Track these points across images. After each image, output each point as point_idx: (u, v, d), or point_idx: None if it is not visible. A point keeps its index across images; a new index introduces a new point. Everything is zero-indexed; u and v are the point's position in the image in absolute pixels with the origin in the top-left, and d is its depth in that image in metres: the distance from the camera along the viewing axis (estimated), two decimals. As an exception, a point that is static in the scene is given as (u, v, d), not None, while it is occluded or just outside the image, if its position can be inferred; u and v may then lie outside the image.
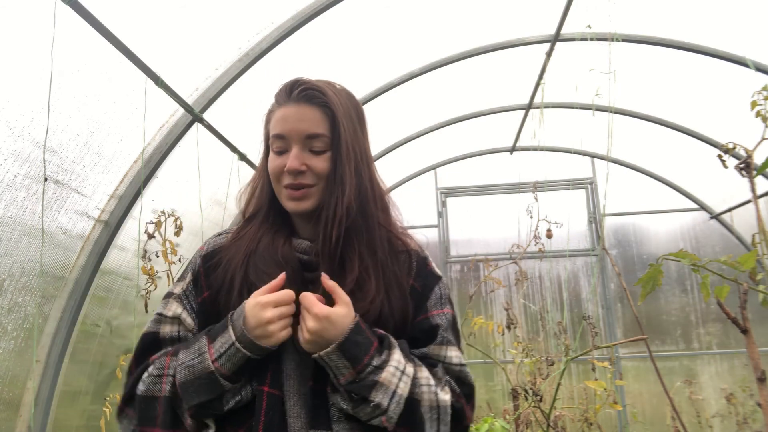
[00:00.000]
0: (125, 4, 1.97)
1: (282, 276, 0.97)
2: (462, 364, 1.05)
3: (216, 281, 1.03)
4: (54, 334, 2.13)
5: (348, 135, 1.03)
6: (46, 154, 1.88)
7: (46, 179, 1.91)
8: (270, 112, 1.09)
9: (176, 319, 1.01)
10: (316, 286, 0.98)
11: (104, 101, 2.11)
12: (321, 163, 1.01)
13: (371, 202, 1.06)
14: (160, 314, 1.03)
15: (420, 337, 1.05)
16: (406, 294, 1.05)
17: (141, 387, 0.93)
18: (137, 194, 2.36)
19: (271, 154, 1.05)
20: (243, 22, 2.50)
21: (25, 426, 1.95)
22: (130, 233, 2.47)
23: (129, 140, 2.32)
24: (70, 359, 2.22)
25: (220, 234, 1.14)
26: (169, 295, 1.05)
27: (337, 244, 1.00)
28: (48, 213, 2.02)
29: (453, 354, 1.04)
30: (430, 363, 1.03)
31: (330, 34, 2.94)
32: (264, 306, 0.91)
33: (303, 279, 1.01)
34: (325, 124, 1.01)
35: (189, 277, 1.07)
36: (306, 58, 3.01)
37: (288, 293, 0.95)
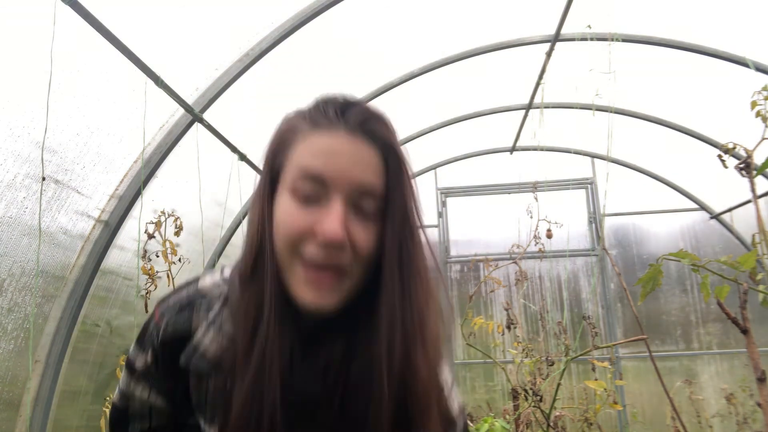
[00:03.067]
0: (125, 4, 1.97)
1: None
2: None
3: (198, 390, 0.75)
4: (54, 334, 2.13)
5: (408, 199, 0.69)
6: (46, 154, 1.88)
7: (44, 179, 1.91)
8: (292, 129, 0.71)
9: (141, 400, 0.80)
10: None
11: (104, 101, 2.11)
12: (367, 237, 0.66)
13: (429, 341, 0.69)
14: (123, 391, 0.81)
15: None
16: None
17: None
18: (137, 194, 2.36)
19: (287, 196, 0.68)
20: (243, 22, 2.50)
21: (25, 426, 1.95)
22: (130, 233, 2.47)
23: (129, 140, 2.32)
24: (70, 359, 2.22)
25: (182, 309, 0.76)
26: (130, 368, 0.80)
27: None
28: (48, 213, 2.02)
29: None
30: None
31: (330, 34, 2.94)
32: None
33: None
34: (383, 178, 0.68)
35: (150, 355, 0.78)
36: (306, 58, 3.01)
37: None
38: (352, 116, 0.68)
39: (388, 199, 0.67)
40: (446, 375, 0.77)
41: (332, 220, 0.63)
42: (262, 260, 0.69)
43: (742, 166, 1.77)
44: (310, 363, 0.71)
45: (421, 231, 0.71)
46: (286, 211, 0.67)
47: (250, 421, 0.66)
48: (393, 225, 0.67)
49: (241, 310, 0.70)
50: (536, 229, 3.60)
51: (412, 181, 0.71)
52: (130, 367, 0.80)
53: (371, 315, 0.68)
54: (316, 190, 0.66)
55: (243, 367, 0.67)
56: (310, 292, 0.66)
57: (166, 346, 0.75)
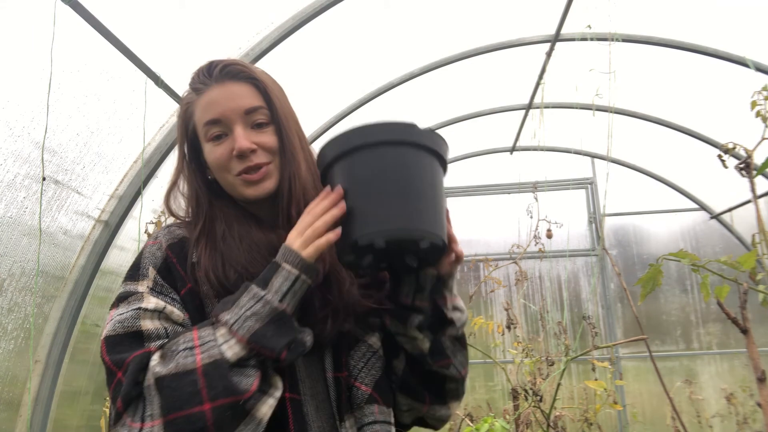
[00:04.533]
0: (125, 4, 1.97)
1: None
2: None
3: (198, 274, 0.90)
4: (54, 334, 2.13)
5: (284, 106, 0.96)
6: (46, 154, 1.88)
7: (44, 179, 1.91)
8: (187, 105, 0.96)
9: (157, 313, 0.84)
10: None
11: (104, 101, 2.11)
12: (269, 138, 0.92)
13: (318, 179, 0.95)
14: (139, 308, 0.83)
15: None
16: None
17: (164, 367, 0.74)
18: (137, 194, 2.36)
19: (208, 146, 0.92)
20: (243, 22, 2.50)
21: (25, 426, 1.95)
22: (130, 233, 2.47)
23: (129, 140, 2.32)
24: (70, 359, 2.22)
25: (170, 225, 0.99)
26: (128, 295, 0.86)
27: None
28: (48, 213, 2.02)
29: None
30: None
31: (330, 34, 2.94)
32: (317, 215, 0.82)
33: None
34: (260, 97, 0.93)
35: (152, 273, 0.88)
36: (306, 58, 3.01)
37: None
38: (215, 72, 0.93)
39: (270, 105, 0.93)
40: None
41: (238, 138, 0.89)
42: (196, 187, 0.96)
43: (742, 166, 1.77)
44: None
45: (295, 121, 0.99)
46: (211, 152, 0.92)
47: (216, 265, 0.88)
48: (279, 120, 0.93)
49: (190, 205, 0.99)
50: (536, 229, 3.60)
51: (279, 93, 0.97)
52: (127, 295, 0.86)
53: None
54: (220, 128, 0.91)
55: (199, 239, 0.92)
56: (251, 189, 0.91)
57: (175, 246, 0.92)
